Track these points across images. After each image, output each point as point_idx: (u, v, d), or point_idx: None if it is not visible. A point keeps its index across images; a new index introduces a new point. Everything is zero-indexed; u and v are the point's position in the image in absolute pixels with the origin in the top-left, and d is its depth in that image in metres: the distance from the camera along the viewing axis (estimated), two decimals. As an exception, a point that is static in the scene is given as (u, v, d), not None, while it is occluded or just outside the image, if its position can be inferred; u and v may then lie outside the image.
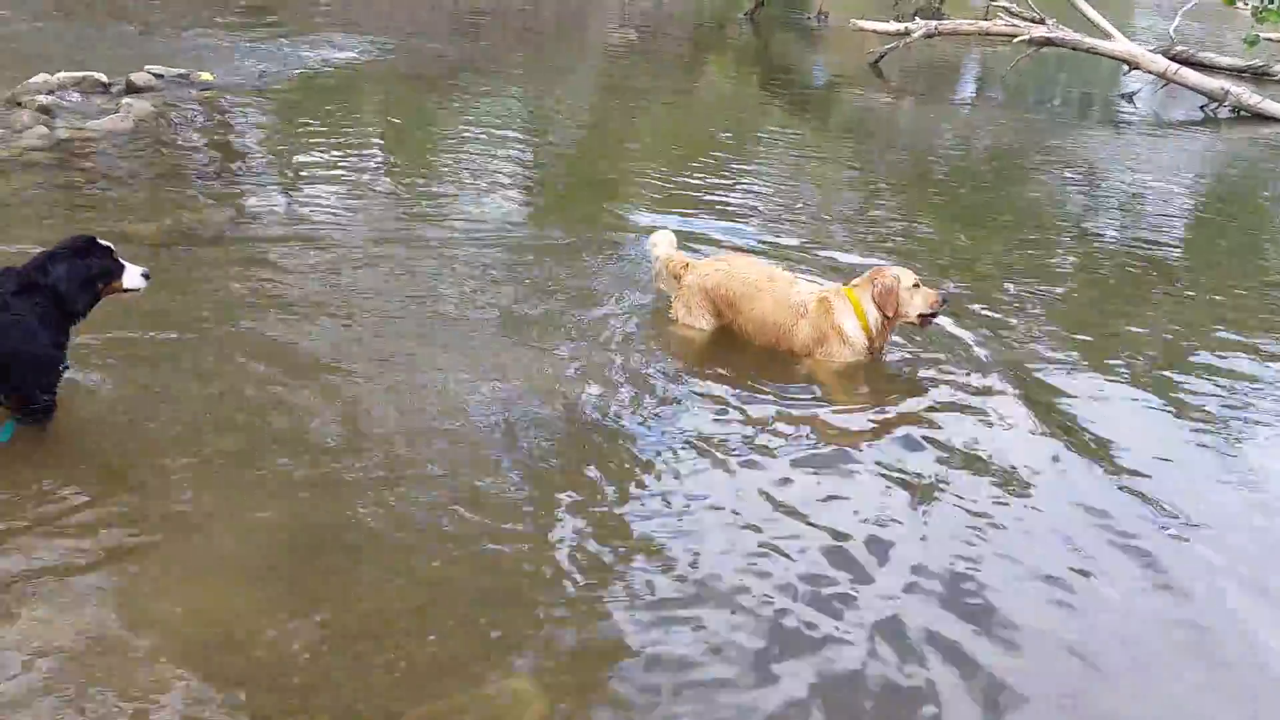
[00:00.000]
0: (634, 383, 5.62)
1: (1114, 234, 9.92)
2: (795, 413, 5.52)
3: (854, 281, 6.14)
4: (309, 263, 6.86)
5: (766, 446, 5.14)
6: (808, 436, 5.30)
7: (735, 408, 5.49)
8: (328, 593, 3.77)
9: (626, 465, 4.83)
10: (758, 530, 4.42)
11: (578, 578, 4.01)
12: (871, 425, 5.52)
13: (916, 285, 5.96)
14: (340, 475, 4.49)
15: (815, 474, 4.94)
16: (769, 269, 6.45)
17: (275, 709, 3.23)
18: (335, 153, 9.99)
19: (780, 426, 5.35)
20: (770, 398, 5.65)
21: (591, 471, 4.75)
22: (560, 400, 5.30)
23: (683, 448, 5.02)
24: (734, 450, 5.06)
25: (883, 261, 7.10)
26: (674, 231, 6.88)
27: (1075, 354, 6.64)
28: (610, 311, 6.52)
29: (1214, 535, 4.75)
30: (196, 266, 6.62)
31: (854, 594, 4.07)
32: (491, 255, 7.41)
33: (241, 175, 9.02)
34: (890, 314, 5.91)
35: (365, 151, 10.34)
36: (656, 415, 5.31)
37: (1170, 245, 9.68)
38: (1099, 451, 5.40)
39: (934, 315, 6.02)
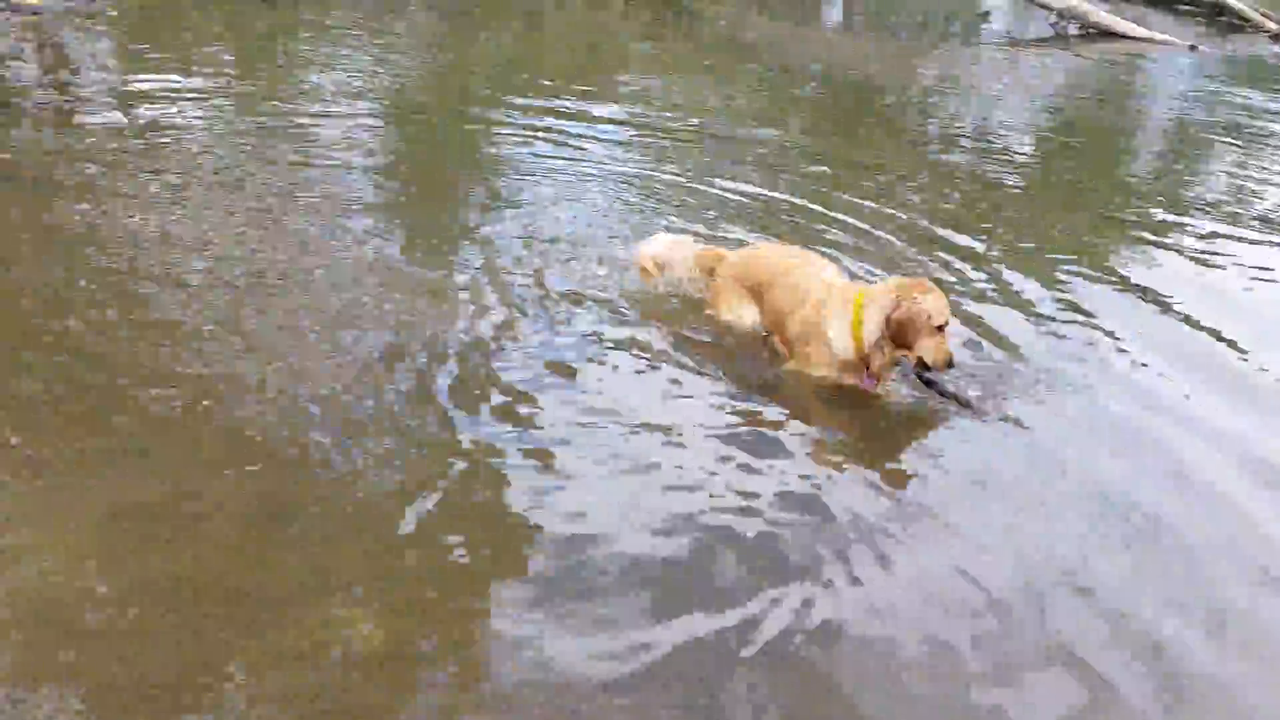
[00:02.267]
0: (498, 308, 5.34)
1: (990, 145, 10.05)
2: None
3: (881, 285, 4.98)
4: (152, 189, 6.43)
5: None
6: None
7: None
8: (154, 544, 3.50)
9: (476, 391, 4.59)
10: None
11: (422, 510, 3.80)
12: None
13: (941, 329, 4.68)
14: (169, 417, 4.16)
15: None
16: (803, 254, 5.38)
17: (106, 656, 3.01)
18: (176, 75, 9.48)
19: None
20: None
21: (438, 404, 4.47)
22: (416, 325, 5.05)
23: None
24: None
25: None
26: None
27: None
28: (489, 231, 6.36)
29: None
30: (21, 200, 6.16)
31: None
32: (348, 178, 7.15)
33: (76, 102, 8.47)
34: (902, 344, 4.72)
35: (207, 71, 9.81)
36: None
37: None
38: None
39: (930, 372, 4.77)
